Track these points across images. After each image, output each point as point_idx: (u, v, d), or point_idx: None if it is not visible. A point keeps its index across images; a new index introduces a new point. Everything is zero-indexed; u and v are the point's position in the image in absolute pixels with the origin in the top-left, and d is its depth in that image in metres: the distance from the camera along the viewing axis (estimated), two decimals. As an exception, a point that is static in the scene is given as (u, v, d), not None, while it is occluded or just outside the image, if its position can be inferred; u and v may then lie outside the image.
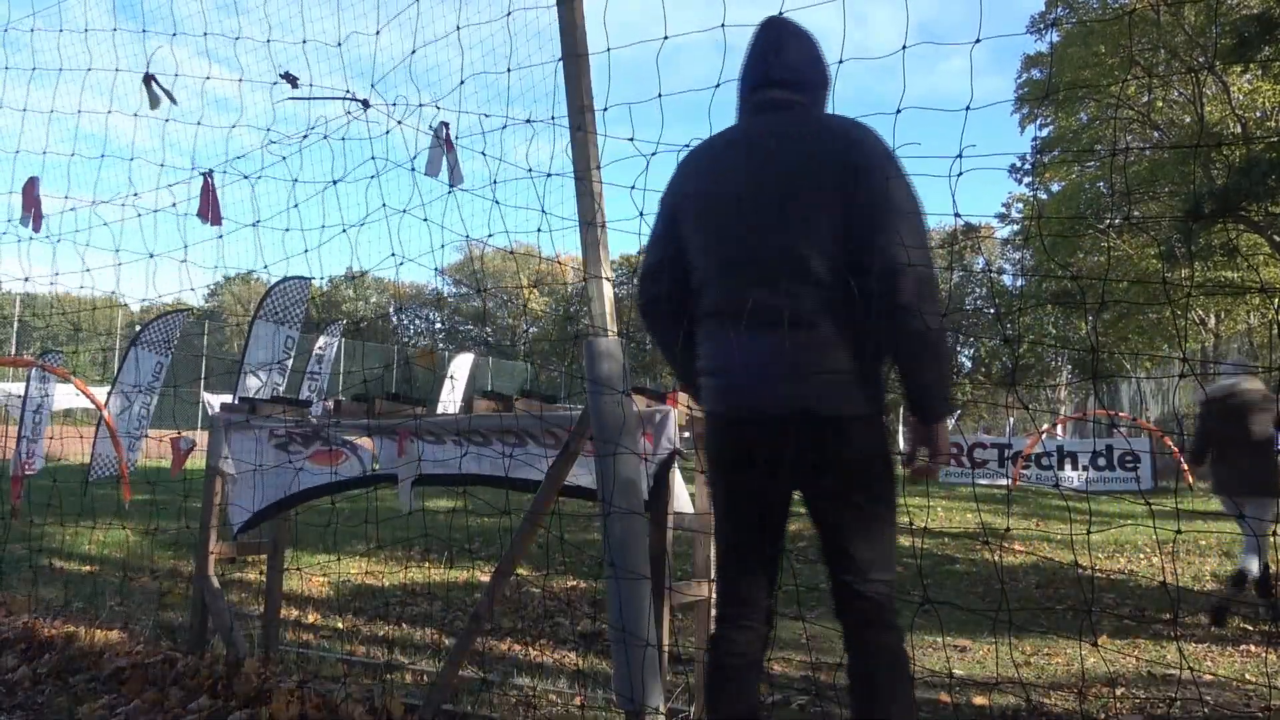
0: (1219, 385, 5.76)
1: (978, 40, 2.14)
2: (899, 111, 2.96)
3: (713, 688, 2.22)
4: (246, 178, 3.34)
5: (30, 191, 3.91)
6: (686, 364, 2.34)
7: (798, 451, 2.07)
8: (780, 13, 2.29)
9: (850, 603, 2.13)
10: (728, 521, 2.25)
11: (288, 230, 2.98)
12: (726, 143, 2.27)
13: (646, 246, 2.35)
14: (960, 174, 2.62)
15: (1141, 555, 7.88)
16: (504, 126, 2.73)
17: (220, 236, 3.55)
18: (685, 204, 2.26)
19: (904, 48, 2.12)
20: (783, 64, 2.22)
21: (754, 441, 2.13)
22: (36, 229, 3.92)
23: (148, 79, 3.37)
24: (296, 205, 2.99)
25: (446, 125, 3.13)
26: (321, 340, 11.05)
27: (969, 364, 51.37)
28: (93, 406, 10.52)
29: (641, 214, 2.46)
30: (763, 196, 2.11)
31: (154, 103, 3.42)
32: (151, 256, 3.66)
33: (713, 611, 2.28)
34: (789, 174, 2.08)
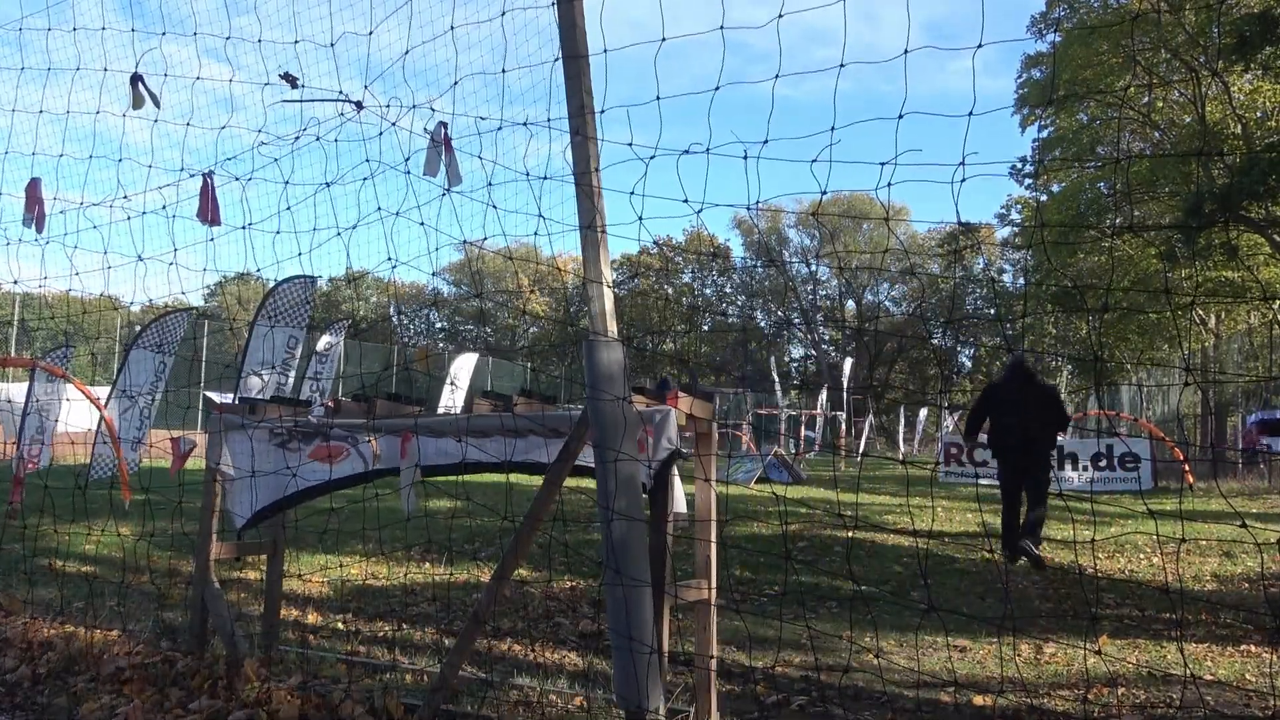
0: None
1: (980, 45, 2.14)
2: (901, 117, 2.98)
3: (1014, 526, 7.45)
4: (238, 179, 3.34)
5: (33, 192, 3.90)
6: (975, 432, 7.77)
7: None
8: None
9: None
10: (1014, 468, 7.57)
11: (279, 233, 2.97)
12: (1015, 387, 7.53)
13: (976, 404, 7.96)
14: (964, 180, 2.64)
15: (1142, 555, 7.88)
16: (499, 128, 2.73)
17: (211, 239, 3.54)
18: (1000, 398, 7.60)
19: (905, 52, 2.13)
20: (1027, 373, 7.81)
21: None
22: (40, 229, 3.91)
23: (135, 79, 3.37)
24: (290, 208, 2.99)
25: (445, 125, 3.12)
26: (324, 341, 11.01)
27: (969, 364, 51.28)
28: (91, 407, 10.50)
29: (640, 219, 2.49)
30: (1032, 405, 7.36)
31: (138, 103, 3.42)
32: (140, 260, 3.65)
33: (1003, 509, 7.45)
34: (1040, 400, 7.51)
